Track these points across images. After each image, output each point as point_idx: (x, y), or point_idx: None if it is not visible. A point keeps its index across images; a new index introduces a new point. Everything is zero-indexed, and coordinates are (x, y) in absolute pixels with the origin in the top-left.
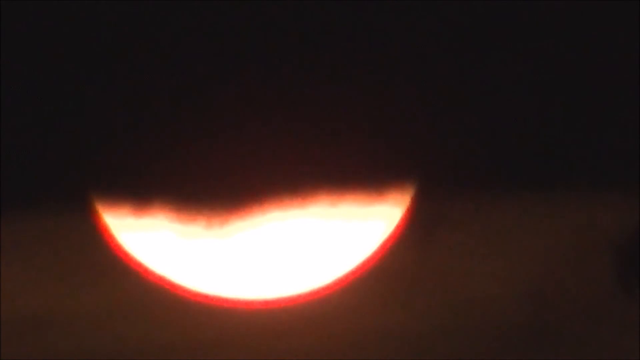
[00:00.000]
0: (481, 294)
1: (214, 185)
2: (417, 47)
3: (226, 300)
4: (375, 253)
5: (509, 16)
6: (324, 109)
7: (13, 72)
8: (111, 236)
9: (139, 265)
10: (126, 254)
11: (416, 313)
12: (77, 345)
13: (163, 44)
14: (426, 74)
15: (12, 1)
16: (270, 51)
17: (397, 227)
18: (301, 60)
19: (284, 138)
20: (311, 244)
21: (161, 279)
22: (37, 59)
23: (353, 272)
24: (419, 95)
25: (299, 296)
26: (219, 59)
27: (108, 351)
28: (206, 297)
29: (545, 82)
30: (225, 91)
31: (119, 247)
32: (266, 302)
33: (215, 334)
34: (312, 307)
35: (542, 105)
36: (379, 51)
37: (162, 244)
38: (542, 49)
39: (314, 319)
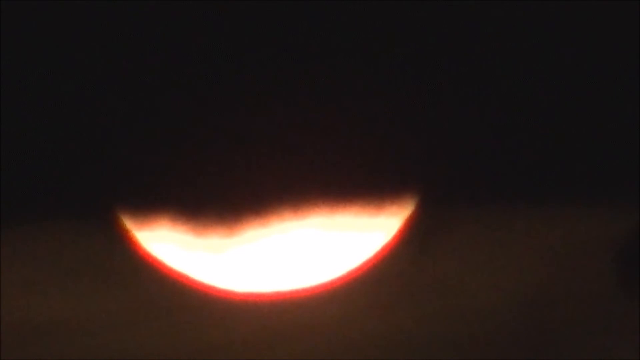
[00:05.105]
0: (480, 301)
1: (220, 197)
2: (416, 59)
3: (233, 294)
4: (372, 260)
5: (508, 18)
6: (324, 121)
7: (33, 84)
8: (132, 240)
9: (158, 268)
10: (145, 257)
11: (414, 320)
12: (96, 347)
13: (174, 58)
14: (425, 88)
15: (15, 1)
16: (269, 63)
17: (395, 236)
18: (301, 74)
19: (286, 150)
20: (311, 250)
21: (175, 277)
22: (56, 66)
23: (349, 276)
24: (418, 108)
25: (297, 292)
26: (219, 74)
27: (121, 353)
28: (213, 289)
29: (544, 83)
30: (226, 107)
31: (138, 251)
32: (269, 296)
33: (219, 337)
34: (310, 311)
35: (540, 105)
36: (378, 65)
37: (173, 249)
38: (541, 53)
39: (312, 322)
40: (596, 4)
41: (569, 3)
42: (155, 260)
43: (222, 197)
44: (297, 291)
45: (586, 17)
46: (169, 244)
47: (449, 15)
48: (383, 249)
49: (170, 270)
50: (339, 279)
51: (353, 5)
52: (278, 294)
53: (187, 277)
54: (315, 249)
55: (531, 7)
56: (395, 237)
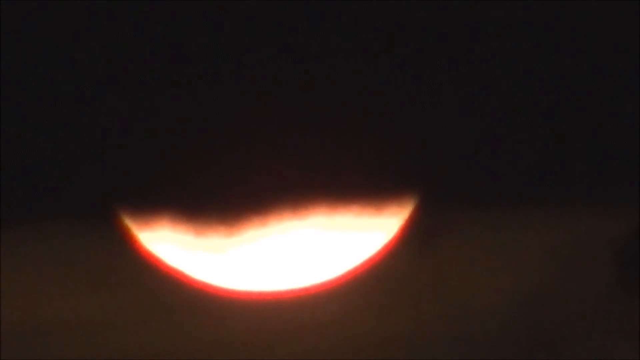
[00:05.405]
0: (480, 301)
1: (220, 197)
2: (416, 59)
3: (233, 293)
4: (372, 260)
5: (508, 18)
6: (324, 121)
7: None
8: (132, 240)
9: (158, 268)
10: (145, 257)
11: (414, 320)
12: (96, 347)
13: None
14: (425, 88)
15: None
16: (269, 63)
17: (395, 236)
18: (301, 74)
19: (286, 150)
20: (310, 250)
21: (176, 276)
22: (56, 66)
23: (349, 276)
24: (418, 108)
25: (297, 291)
26: (219, 74)
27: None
28: (214, 289)
29: (544, 83)
30: (226, 107)
31: (139, 251)
32: (269, 295)
33: (219, 336)
34: (310, 311)
35: (540, 105)
36: (378, 65)
37: (174, 249)
38: (541, 53)
39: (312, 322)
40: (596, 4)
41: (569, 3)
42: (155, 260)
43: (222, 197)
44: (297, 291)
45: (586, 17)
46: (170, 244)
47: (449, 15)
48: (383, 249)
49: (171, 270)
50: (339, 278)
51: (353, 5)
52: (278, 293)
53: (187, 277)
54: (315, 249)
55: (531, 7)
56: (395, 237)
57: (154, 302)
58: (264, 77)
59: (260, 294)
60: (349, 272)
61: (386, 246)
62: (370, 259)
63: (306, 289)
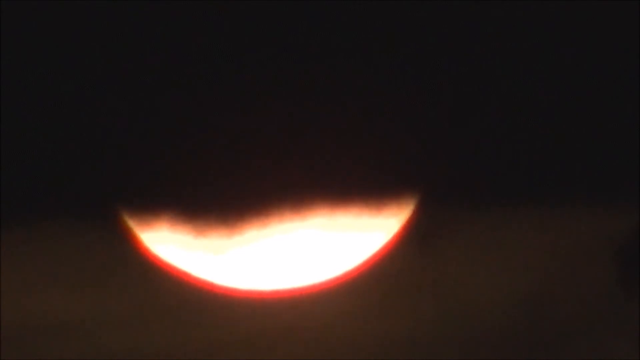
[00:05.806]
0: (480, 301)
1: (221, 197)
2: (416, 59)
3: (234, 293)
4: (372, 259)
5: (508, 18)
6: (324, 121)
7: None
8: (133, 241)
9: (159, 268)
10: (146, 257)
11: (414, 319)
12: (96, 347)
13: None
14: (425, 88)
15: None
16: (269, 63)
17: (395, 236)
18: (301, 74)
19: (286, 150)
20: (311, 249)
21: (177, 276)
22: (56, 66)
23: (349, 276)
24: (418, 108)
25: (297, 291)
26: (219, 74)
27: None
28: (215, 288)
29: (544, 83)
30: (226, 107)
31: (139, 251)
32: (269, 295)
33: (220, 336)
34: (310, 311)
35: (540, 105)
36: (378, 65)
37: (175, 250)
38: (541, 53)
39: (312, 322)
40: (596, 4)
41: (569, 3)
42: (156, 260)
43: (222, 197)
44: (297, 290)
45: (586, 17)
46: (170, 244)
47: (449, 15)
48: (383, 249)
49: (172, 270)
50: (339, 278)
51: (353, 5)
52: (278, 293)
53: (188, 277)
54: (315, 249)
55: (531, 7)
56: (395, 237)
57: (154, 302)
58: (264, 77)
59: (261, 293)
60: (349, 272)
61: (386, 246)
62: (370, 259)
63: (306, 289)
